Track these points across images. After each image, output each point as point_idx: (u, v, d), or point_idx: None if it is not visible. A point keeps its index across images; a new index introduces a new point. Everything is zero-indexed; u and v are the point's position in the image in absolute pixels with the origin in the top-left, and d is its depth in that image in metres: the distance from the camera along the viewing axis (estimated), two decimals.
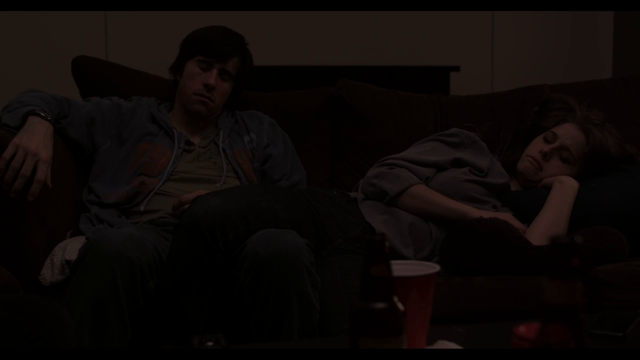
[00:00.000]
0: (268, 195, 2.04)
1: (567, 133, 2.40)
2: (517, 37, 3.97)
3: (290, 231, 1.93)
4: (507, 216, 2.26)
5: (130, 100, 2.48)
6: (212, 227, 1.89)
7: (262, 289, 1.86)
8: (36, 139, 2.04)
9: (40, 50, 3.42)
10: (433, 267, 1.34)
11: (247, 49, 2.51)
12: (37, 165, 2.01)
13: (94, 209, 2.27)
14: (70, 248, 2.10)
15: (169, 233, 2.11)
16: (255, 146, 2.48)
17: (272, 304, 1.86)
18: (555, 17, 3.98)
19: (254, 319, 1.89)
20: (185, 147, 2.40)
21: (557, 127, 2.42)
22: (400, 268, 1.28)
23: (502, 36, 3.95)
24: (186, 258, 1.90)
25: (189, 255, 1.90)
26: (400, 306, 1.10)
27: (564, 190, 2.31)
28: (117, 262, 1.83)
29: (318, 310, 1.91)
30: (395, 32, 3.80)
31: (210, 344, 1.40)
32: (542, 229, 2.25)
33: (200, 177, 2.34)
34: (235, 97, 2.52)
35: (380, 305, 1.09)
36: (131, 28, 3.48)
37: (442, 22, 3.83)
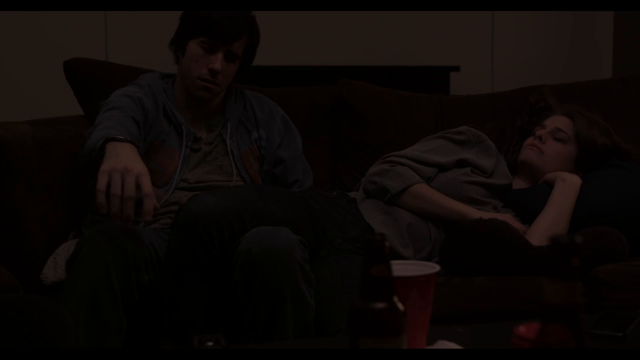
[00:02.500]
0: (265, 195, 2.04)
1: (555, 119, 2.47)
2: (517, 37, 3.97)
3: (283, 228, 1.92)
4: (506, 217, 2.27)
5: (140, 86, 2.26)
6: (207, 224, 1.89)
7: (255, 286, 1.85)
8: (124, 159, 1.85)
9: (40, 50, 3.42)
10: (433, 267, 1.34)
11: (255, 24, 2.28)
12: (138, 182, 1.81)
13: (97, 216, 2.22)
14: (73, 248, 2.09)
15: (167, 235, 2.11)
16: (264, 144, 2.32)
17: (266, 302, 1.85)
18: (555, 17, 3.99)
19: (248, 316, 1.88)
20: (192, 146, 2.25)
21: (544, 122, 2.49)
22: (400, 268, 1.28)
23: (502, 36, 3.96)
24: (183, 255, 1.90)
25: (186, 252, 1.90)
26: (400, 306, 1.10)
27: (566, 188, 2.32)
28: (112, 254, 1.82)
29: (313, 308, 1.91)
30: (395, 32, 3.80)
31: (210, 344, 1.41)
32: (542, 230, 2.25)
33: (207, 185, 2.22)
34: (242, 73, 2.32)
35: (380, 305, 1.09)
36: (131, 28, 3.48)
37: (442, 22, 3.83)
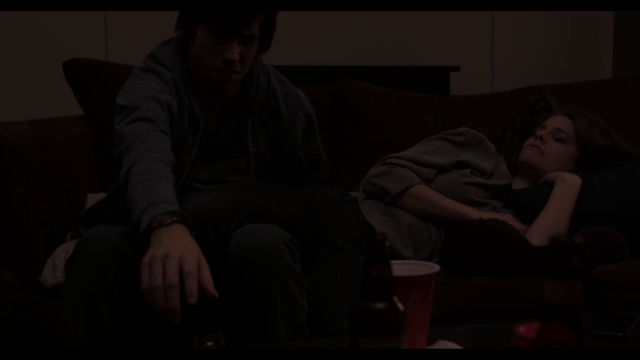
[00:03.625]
0: (263, 193, 2.02)
1: (555, 120, 2.47)
2: (517, 37, 3.98)
3: (273, 226, 1.88)
4: (506, 217, 2.27)
5: (164, 80, 1.97)
6: (202, 222, 1.87)
7: (245, 287, 1.84)
8: (166, 244, 1.58)
9: (40, 50, 3.42)
10: (433, 267, 1.34)
11: None
12: (181, 263, 1.55)
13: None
14: (72, 250, 2.08)
15: None
16: (282, 141, 2.13)
17: (255, 303, 1.82)
18: (555, 17, 3.99)
19: (240, 318, 1.87)
20: (207, 139, 2.04)
21: (545, 122, 2.49)
22: (400, 268, 1.28)
23: (502, 36, 3.96)
24: None
25: None
26: (400, 306, 1.10)
27: (566, 188, 2.32)
28: (110, 256, 1.80)
29: (305, 308, 1.88)
30: (395, 32, 3.81)
31: (210, 344, 1.41)
32: (542, 229, 2.25)
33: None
34: (263, 49, 2.05)
35: (380, 305, 1.09)
36: (131, 28, 3.48)
37: (442, 22, 3.84)
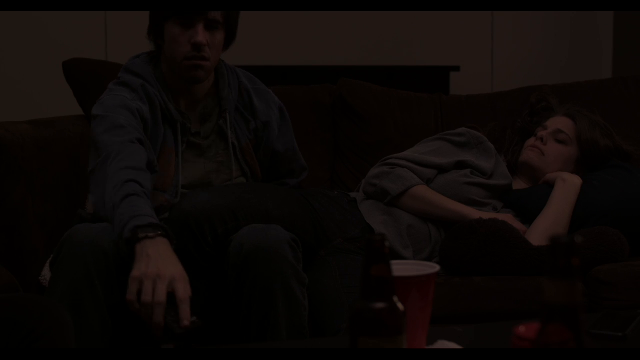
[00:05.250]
0: (260, 193, 2.02)
1: (556, 120, 2.46)
2: (517, 37, 3.98)
3: (275, 226, 1.90)
4: (506, 217, 2.27)
5: (134, 89, 2.08)
6: (199, 221, 1.87)
7: (247, 286, 1.84)
8: (156, 262, 1.69)
9: (40, 50, 3.42)
10: (433, 267, 1.34)
11: None
12: (173, 287, 1.67)
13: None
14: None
15: None
16: (261, 135, 2.20)
17: (257, 301, 1.83)
18: (555, 17, 3.99)
19: (242, 317, 1.86)
20: (190, 139, 2.11)
21: (546, 122, 2.48)
22: (400, 268, 1.28)
23: (502, 36, 3.96)
24: (177, 254, 1.88)
25: (178, 250, 1.87)
26: (400, 306, 1.10)
27: (566, 188, 2.32)
28: (91, 254, 1.80)
29: (306, 308, 1.89)
30: (395, 32, 3.81)
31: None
32: (542, 229, 2.25)
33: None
34: (229, 43, 2.15)
35: (380, 305, 1.09)
36: (131, 28, 3.47)
37: (442, 22, 3.84)
